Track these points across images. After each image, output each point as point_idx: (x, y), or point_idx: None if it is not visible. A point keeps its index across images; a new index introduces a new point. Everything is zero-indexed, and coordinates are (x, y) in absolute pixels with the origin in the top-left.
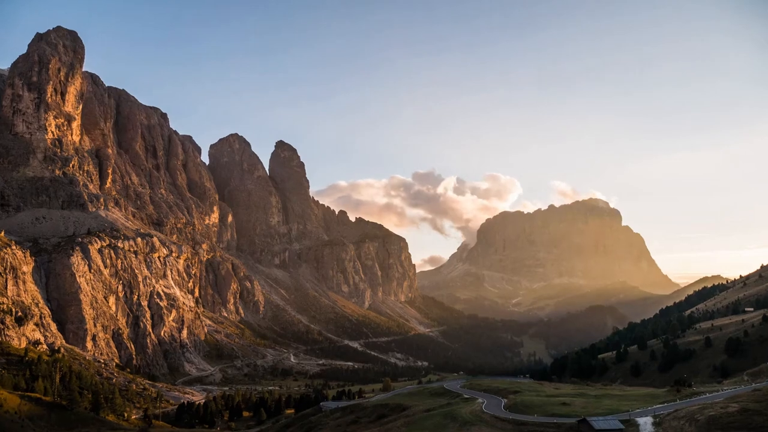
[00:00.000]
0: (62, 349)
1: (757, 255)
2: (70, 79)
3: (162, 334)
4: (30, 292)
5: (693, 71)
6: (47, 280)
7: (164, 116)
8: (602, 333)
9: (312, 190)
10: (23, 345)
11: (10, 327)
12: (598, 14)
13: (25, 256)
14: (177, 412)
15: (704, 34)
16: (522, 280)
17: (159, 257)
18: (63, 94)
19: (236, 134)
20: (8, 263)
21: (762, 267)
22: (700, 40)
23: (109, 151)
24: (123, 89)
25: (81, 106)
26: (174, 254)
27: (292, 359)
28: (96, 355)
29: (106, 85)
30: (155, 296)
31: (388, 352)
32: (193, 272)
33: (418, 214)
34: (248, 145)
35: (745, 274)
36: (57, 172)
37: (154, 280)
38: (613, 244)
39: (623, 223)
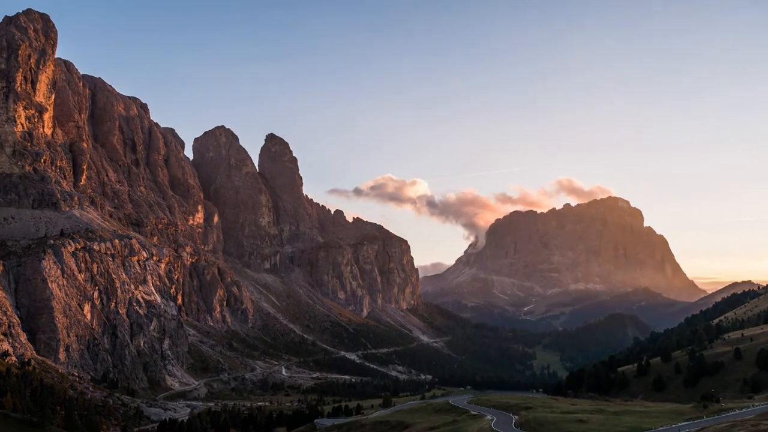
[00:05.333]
0: (33, 361)
1: None
2: (41, 67)
3: (142, 344)
4: None
5: (728, 70)
6: (16, 286)
7: (144, 107)
8: (622, 344)
9: (306, 188)
10: None
11: None
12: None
13: None
14: (158, 429)
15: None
16: (535, 286)
17: (138, 261)
18: (34, 83)
19: (223, 127)
20: None
21: None
22: (732, 34)
23: (84, 145)
24: (99, 77)
25: (53, 96)
26: (155, 257)
27: (283, 372)
28: (69, 367)
29: (81, 73)
30: (134, 303)
31: (388, 365)
32: (176, 277)
33: (424, 212)
34: (236, 138)
35: None
36: (27, 168)
37: (133, 286)
38: (635, 247)
39: (645, 224)
